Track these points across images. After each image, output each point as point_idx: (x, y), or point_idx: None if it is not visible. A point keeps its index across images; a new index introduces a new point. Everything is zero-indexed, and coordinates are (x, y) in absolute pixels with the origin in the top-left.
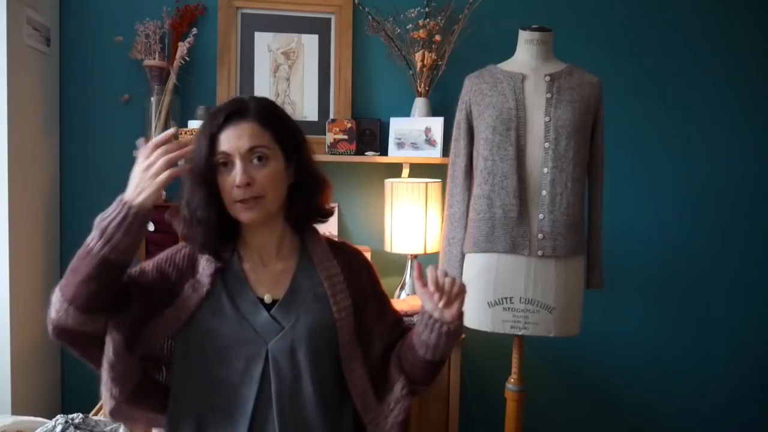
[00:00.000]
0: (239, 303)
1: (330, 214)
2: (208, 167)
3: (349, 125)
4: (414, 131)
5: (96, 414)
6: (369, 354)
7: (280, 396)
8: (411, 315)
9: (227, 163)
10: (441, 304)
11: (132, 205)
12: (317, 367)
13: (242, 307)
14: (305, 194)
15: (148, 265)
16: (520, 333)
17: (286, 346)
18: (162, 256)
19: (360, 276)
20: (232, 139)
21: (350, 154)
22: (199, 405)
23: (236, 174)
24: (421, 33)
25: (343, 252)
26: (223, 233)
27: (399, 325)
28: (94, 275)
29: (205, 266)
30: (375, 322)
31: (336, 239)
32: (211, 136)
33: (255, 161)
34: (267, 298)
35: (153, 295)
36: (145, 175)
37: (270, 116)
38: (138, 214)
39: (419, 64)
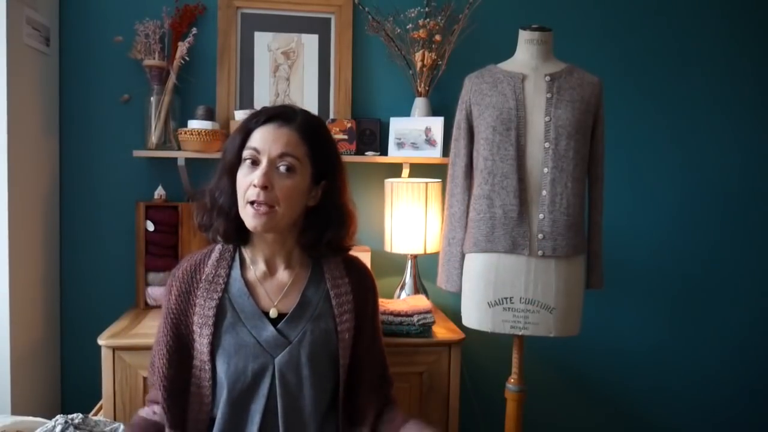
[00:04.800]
0: (244, 318)
1: (346, 249)
2: (237, 160)
3: (349, 125)
4: (414, 131)
5: (96, 414)
6: (352, 380)
7: (285, 409)
8: (411, 315)
9: (254, 161)
10: None
11: None
12: (319, 381)
13: (248, 323)
14: (323, 223)
15: (163, 360)
16: (520, 333)
17: (293, 360)
18: (167, 315)
19: (366, 299)
20: (267, 139)
21: (350, 154)
22: (211, 422)
23: (257, 174)
24: (421, 33)
25: (355, 269)
26: (240, 227)
27: (379, 357)
28: None
29: (204, 293)
30: (365, 350)
31: (352, 254)
32: (247, 130)
33: (281, 169)
34: (272, 313)
35: (183, 377)
36: None
37: (314, 132)
38: None
39: (419, 64)
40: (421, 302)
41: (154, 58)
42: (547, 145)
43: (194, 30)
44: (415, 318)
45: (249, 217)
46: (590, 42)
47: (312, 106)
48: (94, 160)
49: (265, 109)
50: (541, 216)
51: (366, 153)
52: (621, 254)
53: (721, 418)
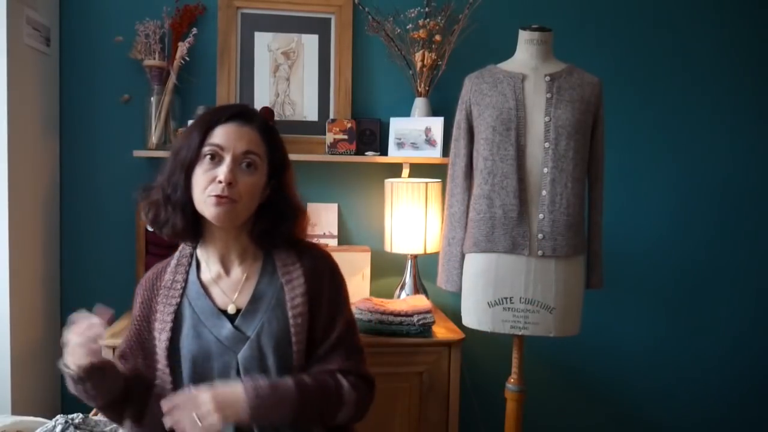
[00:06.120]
0: (204, 319)
1: (299, 242)
2: (196, 155)
3: (349, 125)
4: (414, 131)
5: (96, 414)
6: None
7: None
8: (411, 315)
9: (215, 156)
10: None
11: (70, 374)
12: (285, 371)
13: (207, 323)
14: (274, 215)
15: (126, 347)
16: (520, 333)
17: (255, 355)
18: (133, 321)
19: (321, 281)
20: (231, 136)
21: (350, 154)
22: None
23: (222, 170)
24: (421, 33)
25: (308, 255)
26: (196, 223)
27: (337, 347)
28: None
29: (163, 300)
30: (322, 331)
31: (308, 241)
32: (208, 128)
33: (244, 166)
34: (231, 309)
35: (140, 369)
36: (67, 350)
37: (271, 133)
38: (80, 377)
39: (419, 64)
40: (421, 302)
41: (154, 58)
42: (546, 145)
43: (194, 30)
44: (415, 318)
45: (210, 206)
46: (590, 42)
47: (312, 106)
48: (94, 160)
49: (224, 108)
50: (541, 216)
51: (366, 153)
52: (621, 254)
53: (720, 417)
